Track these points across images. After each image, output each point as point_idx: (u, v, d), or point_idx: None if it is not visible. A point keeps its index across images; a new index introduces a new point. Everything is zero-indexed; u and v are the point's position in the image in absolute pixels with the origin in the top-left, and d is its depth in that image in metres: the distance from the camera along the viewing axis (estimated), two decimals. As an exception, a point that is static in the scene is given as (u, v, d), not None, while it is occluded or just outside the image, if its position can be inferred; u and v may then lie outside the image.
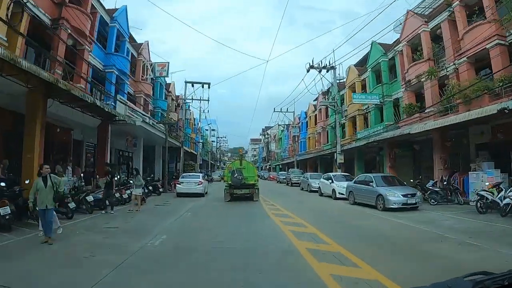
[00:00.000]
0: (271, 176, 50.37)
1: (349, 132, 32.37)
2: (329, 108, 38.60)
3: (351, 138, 29.55)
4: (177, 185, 18.36)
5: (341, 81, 32.99)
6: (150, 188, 18.12)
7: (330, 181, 17.65)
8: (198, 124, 47.42)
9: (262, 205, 14.26)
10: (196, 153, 41.64)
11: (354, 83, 31.21)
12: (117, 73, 20.18)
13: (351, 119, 31.92)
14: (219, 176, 45.14)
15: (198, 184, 17.96)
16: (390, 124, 24.08)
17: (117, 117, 16.21)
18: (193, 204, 14.49)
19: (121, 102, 17.63)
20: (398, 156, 23.94)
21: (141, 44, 26.94)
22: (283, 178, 37.68)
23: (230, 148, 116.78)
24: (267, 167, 76.23)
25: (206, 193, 20.61)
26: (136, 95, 24.92)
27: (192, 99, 28.19)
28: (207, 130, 79.15)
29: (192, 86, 28.73)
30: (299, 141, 44.86)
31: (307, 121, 48.42)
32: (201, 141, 48.43)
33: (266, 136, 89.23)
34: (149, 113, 26.72)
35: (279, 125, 44.11)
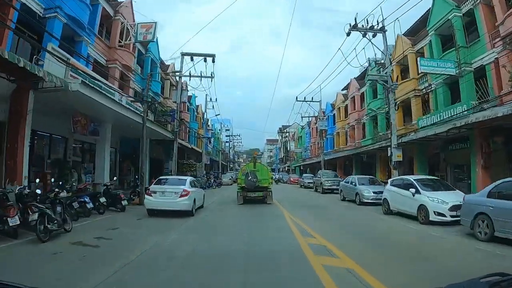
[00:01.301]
0: (291, 179, 42.58)
1: (398, 122, 24.37)
2: (366, 95, 30.80)
3: (405, 128, 21.62)
4: (146, 196, 11.04)
5: (382, 60, 25.26)
6: (102, 200, 10.90)
7: (414, 190, 9.95)
8: (204, 114, 40.12)
9: (304, 254, 5.96)
10: (200, 150, 34.47)
11: (406, 56, 23.35)
12: (65, 21, 13.21)
13: (401, 104, 23.95)
14: (230, 179, 37.78)
15: (181, 196, 10.57)
16: (476, 104, 16.23)
17: (41, 77, 9.21)
18: (153, 242, 6.92)
19: (57, 58, 10.57)
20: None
21: (121, 2, 20.01)
22: (310, 182, 29.86)
23: (245, 150, 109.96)
24: (286, 169, 68.51)
25: (202, 206, 13.24)
26: (109, 65, 18.01)
27: (190, 75, 20.92)
28: (220, 130, 72.38)
29: (192, 59, 21.49)
30: (324, 137, 36.98)
31: (334, 114, 40.66)
32: (207, 135, 41.13)
33: (284, 135, 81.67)
34: (131, 93, 19.71)
35: (302, 117, 36.37)
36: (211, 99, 33.57)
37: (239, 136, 74.05)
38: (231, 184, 35.05)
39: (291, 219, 10.21)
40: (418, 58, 17.12)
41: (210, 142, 44.46)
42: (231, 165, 74.87)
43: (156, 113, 21.98)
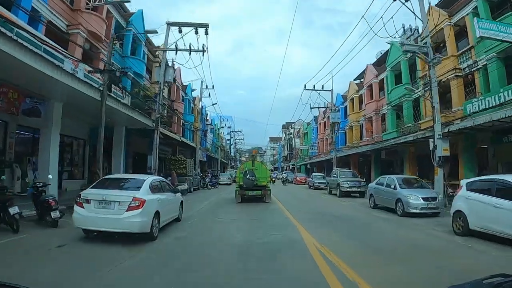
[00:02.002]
0: (298, 178, 38.20)
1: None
2: (386, 81, 26.51)
3: (445, 115, 17.37)
4: (76, 208, 6.70)
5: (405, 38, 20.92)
6: (13, 211, 6.68)
7: None
8: (200, 102, 35.96)
9: None
10: (195, 145, 30.34)
11: (441, 30, 19.14)
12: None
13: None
14: (228, 178, 33.55)
15: (129, 209, 6.12)
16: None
17: None
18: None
19: None
20: None
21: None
22: (321, 183, 25.64)
23: (248, 149, 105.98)
24: (290, 167, 64.25)
25: (179, 219, 9.00)
26: (70, 31, 13.95)
27: (177, 49, 16.89)
28: (223, 127, 68.34)
29: (180, 31, 17.50)
30: (337, 131, 32.67)
31: (346, 107, 36.37)
32: (203, 128, 36.91)
33: (288, 132, 77.48)
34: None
35: (311, 108, 32.08)
36: (207, 86, 29.37)
37: (240, 132, 69.67)
38: (229, 184, 30.87)
39: (317, 249, 5.87)
40: (475, 19, 12.86)
41: (205, 135, 40.21)
42: (232, 163, 70.67)
43: (139, 99, 18.02)
